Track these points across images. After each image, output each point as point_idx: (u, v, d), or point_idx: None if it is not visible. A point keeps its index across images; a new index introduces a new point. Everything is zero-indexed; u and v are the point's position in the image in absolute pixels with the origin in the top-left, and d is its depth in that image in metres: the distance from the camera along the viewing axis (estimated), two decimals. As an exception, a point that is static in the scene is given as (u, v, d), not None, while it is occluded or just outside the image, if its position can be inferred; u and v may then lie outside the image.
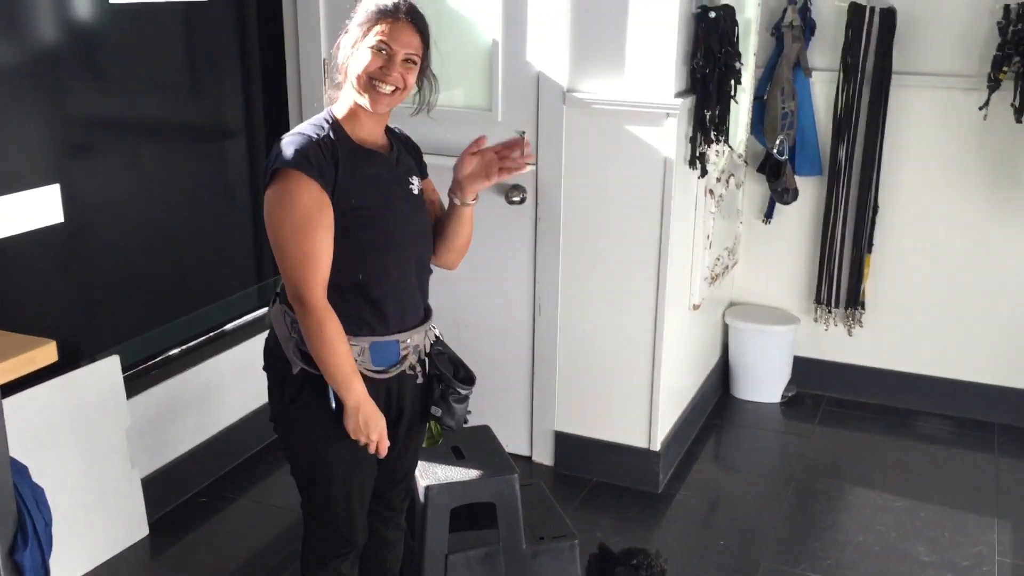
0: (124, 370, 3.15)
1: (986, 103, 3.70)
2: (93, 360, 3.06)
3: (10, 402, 2.56)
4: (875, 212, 4.05)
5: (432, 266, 2.31)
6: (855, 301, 4.18)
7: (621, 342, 3.47)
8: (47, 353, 2.21)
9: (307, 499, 2.27)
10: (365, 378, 2.10)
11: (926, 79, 3.90)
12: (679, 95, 3.24)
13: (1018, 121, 3.66)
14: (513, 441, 3.67)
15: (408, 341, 2.19)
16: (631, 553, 2.75)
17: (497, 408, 3.59)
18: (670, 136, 3.22)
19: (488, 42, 3.40)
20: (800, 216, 4.24)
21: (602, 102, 3.28)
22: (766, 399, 4.33)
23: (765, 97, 3.96)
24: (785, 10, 3.94)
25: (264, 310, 3.78)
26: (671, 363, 3.54)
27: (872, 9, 3.84)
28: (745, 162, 4.11)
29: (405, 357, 2.18)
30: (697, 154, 3.35)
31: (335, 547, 2.28)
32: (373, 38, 2.04)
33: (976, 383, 4.14)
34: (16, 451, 2.32)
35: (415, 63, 2.09)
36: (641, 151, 3.28)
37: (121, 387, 3.13)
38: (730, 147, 3.64)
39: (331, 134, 2.07)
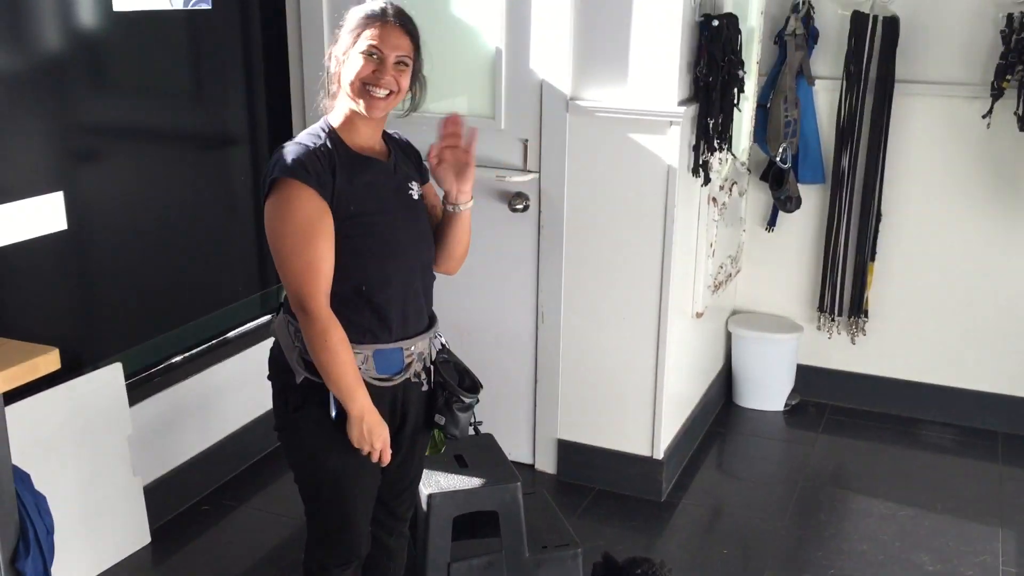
0: (127, 377, 3.15)
1: (989, 111, 3.70)
2: (96, 367, 3.06)
3: (12, 409, 2.55)
4: (878, 220, 4.05)
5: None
6: (858, 309, 4.17)
7: (624, 350, 3.47)
8: (50, 361, 2.21)
9: (310, 508, 2.27)
10: (369, 386, 2.10)
11: (929, 87, 3.90)
12: (682, 103, 3.24)
13: (1021, 129, 3.65)
14: (516, 449, 3.66)
15: (412, 349, 2.18)
16: (636, 562, 2.74)
17: (500, 416, 3.59)
18: (673, 144, 3.22)
19: (491, 50, 3.40)
20: (803, 224, 4.24)
21: (605, 110, 3.28)
22: (769, 407, 4.32)
23: (768, 105, 3.96)
24: (788, 18, 3.94)
25: (267, 317, 3.78)
26: (674, 371, 3.53)
27: (875, 17, 3.85)
28: (748, 170, 4.11)
29: (409, 365, 2.18)
30: (700, 162, 3.35)
31: (338, 556, 2.28)
32: (364, 43, 2.05)
33: (980, 392, 4.13)
34: (18, 459, 2.32)
35: (407, 65, 2.09)
36: (644, 159, 3.28)
37: (123, 395, 3.13)
38: (733, 155, 3.64)
39: (328, 143, 2.07)
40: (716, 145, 3.33)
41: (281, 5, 3.65)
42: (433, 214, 2.30)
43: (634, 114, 3.24)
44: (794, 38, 3.93)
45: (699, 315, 3.71)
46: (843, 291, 4.18)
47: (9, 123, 2.74)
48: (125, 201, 3.17)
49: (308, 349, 2.05)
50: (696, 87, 3.29)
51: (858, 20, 3.87)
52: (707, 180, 3.42)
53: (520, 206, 3.46)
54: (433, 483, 2.75)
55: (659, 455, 3.53)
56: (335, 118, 2.13)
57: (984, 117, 3.73)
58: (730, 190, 3.82)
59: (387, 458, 2.14)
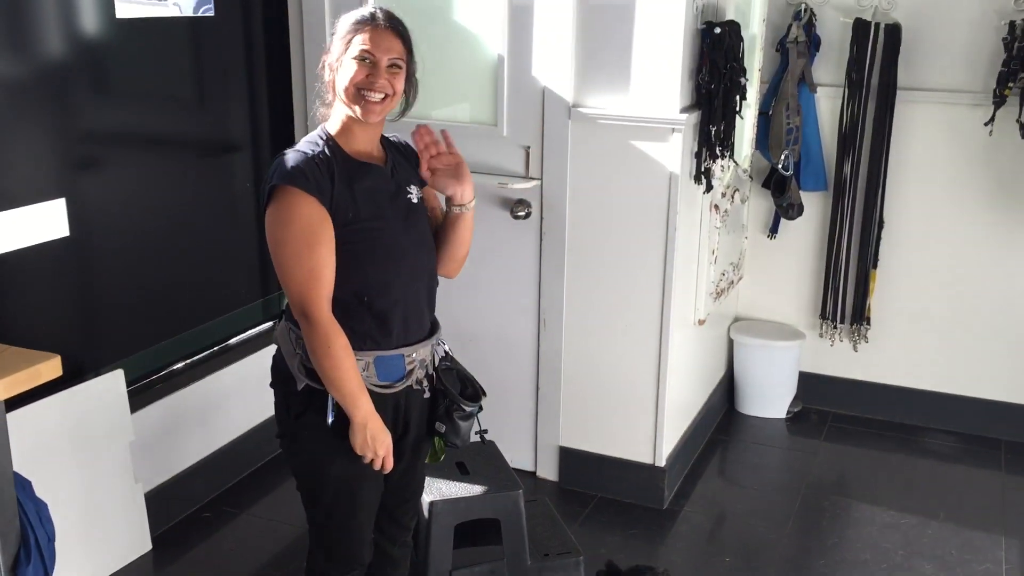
0: (128, 384, 3.15)
1: (991, 119, 3.70)
2: (97, 374, 3.06)
3: (14, 416, 2.55)
4: (880, 227, 4.05)
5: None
6: (860, 317, 4.17)
7: (626, 357, 3.46)
8: (52, 367, 2.22)
9: (312, 515, 2.27)
10: (372, 393, 2.09)
11: (931, 95, 3.90)
12: (684, 110, 3.24)
13: (1023, 137, 3.66)
14: (517, 456, 3.66)
15: (414, 355, 2.18)
16: (639, 570, 2.73)
17: (501, 423, 3.57)
18: (675, 151, 3.22)
19: (493, 57, 3.41)
20: (805, 231, 4.24)
21: (607, 117, 3.28)
22: (771, 415, 4.31)
23: (770, 112, 3.96)
24: (790, 26, 3.94)
25: (268, 324, 3.78)
26: (676, 378, 3.53)
27: (877, 25, 3.85)
28: (750, 177, 4.11)
29: (411, 371, 2.18)
30: (702, 169, 3.35)
31: (340, 564, 2.27)
32: (356, 49, 2.05)
33: (983, 399, 4.12)
34: (19, 466, 2.32)
35: (400, 68, 2.09)
36: (646, 166, 3.28)
37: (125, 401, 3.12)
38: (735, 162, 3.64)
39: (326, 150, 2.08)
40: (718, 152, 3.34)
41: (283, 12, 3.65)
42: (433, 216, 2.30)
43: (636, 121, 3.24)
44: (796, 45, 3.93)
45: (701, 322, 3.71)
46: (845, 298, 4.18)
47: (12, 130, 2.74)
48: (127, 208, 3.17)
49: (310, 356, 2.05)
50: (698, 94, 3.29)
51: (860, 27, 3.87)
52: (709, 187, 3.42)
53: (522, 213, 3.46)
54: (435, 490, 2.74)
55: (661, 463, 3.52)
56: (332, 125, 2.13)
57: (986, 125, 3.73)
58: (732, 197, 3.82)
59: (389, 465, 2.14)
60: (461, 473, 2.84)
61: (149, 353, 3.32)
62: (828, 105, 4.07)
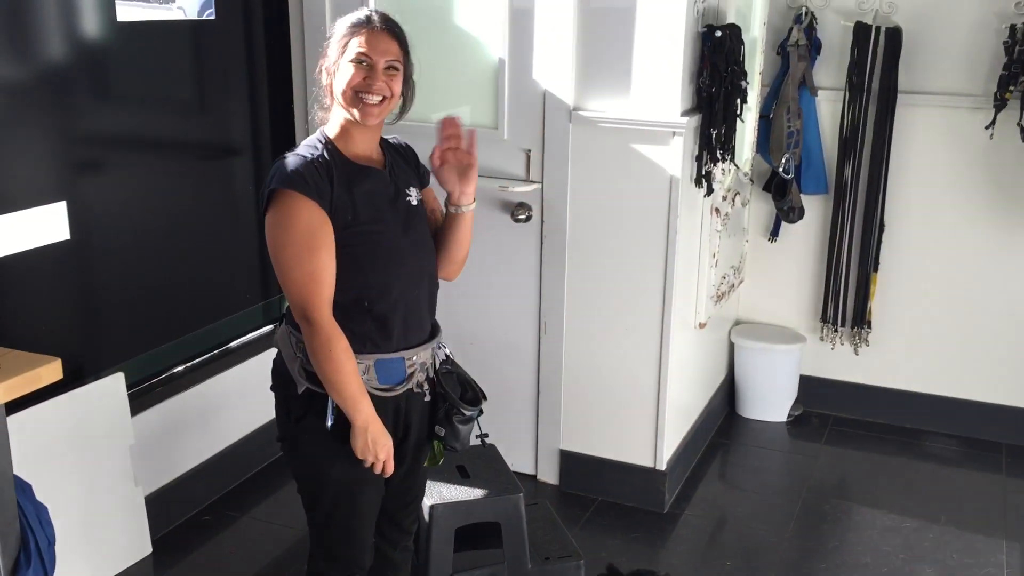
0: (129, 387, 3.15)
1: (992, 122, 3.70)
2: (98, 377, 3.06)
3: (14, 419, 2.55)
4: (881, 230, 4.05)
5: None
6: (861, 320, 4.16)
7: (626, 360, 3.46)
8: (52, 371, 2.21)
9: (313, 519, 2.26)
10: (372, 396, 2.09)
11: (932, 98, 3.90)
12: (685, 114, 3.24)
13: (1024, 140, 3.66)
14: (518, 460, 3.65)
15: (414, 358, 2.18)
16: (640, 574, 2.73)
17: (502, 426, 3.57)
18: (676, 155, 3.22)
19: (494, 60, 3.41)
20: (806, 235, 4.24)
21: (608, 120, 3.28)
22: (772, 418, 4.31)
23: (771, 116, 3.96)
24: (791, 29, 3.94)
25: (269, 327, 3.78)
26: (677, 382, 3.53)
27: (878, 28, 3.85)
28: (751, 180, 4.11)
29: (412, 374, 2.18)
30: (703, 172, 3.35)
31: (341, 568, 2.27)
32: (352, 52, 2.05)
33: (984, 403, 4.12)
34: (20, 469, 2.32)
35: (397, 69, 2.09)
36: (647, 170, 3.27)
37: (125, 404, 3.12)
38: (736, 166, 3.64)
39: (325, 153, 2.08)
40: (719, 155, 3.34)
41: (284, 15, 3.65)
42: (433, 219, 2.30)
43: (637, 124, 3.24)
44: (797, 49, 3.93)
45: (702, 325, 3.70)
46: (846, 302, 4.18)
47: (13, 133, 2.74)
48: (128, 211, 3.17)
49: (311, 359, 2.05)
50: (699, 98, 3.29)
51: (860, 31, 3.87)
52: (710, 190, 3.42)
53: (523, 216, 3.46)
54: (435, 494, 2.74)
55: (662, 466, 3.52)
56: (331, 129, 2.13)
57: (987, 128, 3.73)
58: (733, 200, 3.82)
59: (390, 469, 2.14)
60: (462, 476, 2.84)
61: (149, 356, 3.32)
62: (829, 108, 4.07)
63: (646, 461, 3.53)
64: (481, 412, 2.27)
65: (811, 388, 4.35)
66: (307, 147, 2.10)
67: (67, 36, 2.90)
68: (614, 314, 3.44)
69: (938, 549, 3.33)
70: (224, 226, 3.58)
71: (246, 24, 3.54)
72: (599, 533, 3.40)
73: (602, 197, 3.37)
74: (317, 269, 2.01)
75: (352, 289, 2.08)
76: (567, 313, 3.50)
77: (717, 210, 3.64)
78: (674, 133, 3.20)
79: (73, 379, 2.94)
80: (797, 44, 3.93)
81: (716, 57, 3.22)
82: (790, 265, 4.30)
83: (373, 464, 2.11)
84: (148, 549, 3.22)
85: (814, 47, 3.99)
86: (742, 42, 3.34)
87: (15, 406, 2.56)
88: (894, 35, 3.84)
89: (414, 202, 2.20)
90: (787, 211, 4.07)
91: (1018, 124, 3.66)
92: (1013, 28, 3.64)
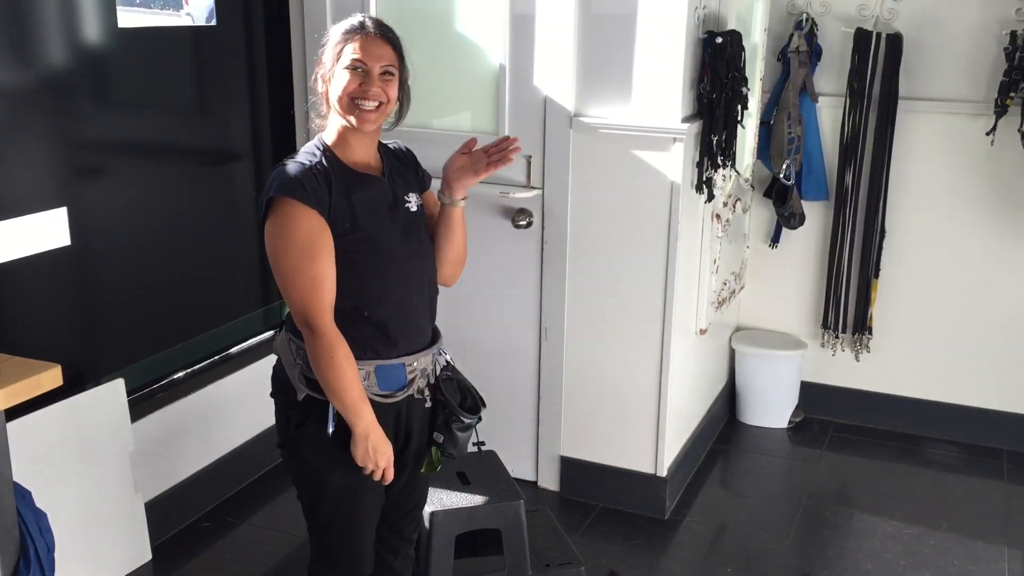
0: (129, 393, 3.14)
1: (993, 129, 3.70)
2: (98, 384, 3.06)
3: (14, 426, 2.55)
4: (882, 237, 4.05)
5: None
6: (862, 326, 4.16)
7: (627, 367, 3.46)
8: (53, 377, 2.21)
9: (313, 526, 2.26)
10: (373, 403, 2.09)
11: (933, 104, 3.90)
12: (686, 120, 3.24)
13: (1025, 146, 3.66)
14: (519, 466, 3.65)
15: (415, 364, 2.18)
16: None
17: (502, 433, 3.57)
18: (677, 161, 3.22)
19: (495, 66, 3.41)
20: (807, 241, 4.24)
21: (609, 127, 3.28)
22: (773, 424, 4.30)
23: (772, 122, 3.97)
24: (791, 35, 3.95)
25: (269, 333, 3.78)
26: (677, 388, 3.52)
27: (878, 34, 3.85)
28: (752, 187, 4.11)
29: (412, 381, 2.17)
30: (704, 179, 3.35)
31: (341, 575, 2.26)
32: (347, 58, 2.05)
33: (985, 409, 4.11)
34: (19, 475, 2.31)
35: (393, 74, 2.09)
36: (648, 176, 3.27)
37: (126, 411, 3.12)
38: (737, 172, 3.64)
39: (323, 160, 2.08)
40: (720, 162, 3.33)
41: (285, 20, 3.66)
42: (432, 222, 2.29)
43: (638, 131, 3.24)
44: (797, 55, 3.93)
45: (703, 332, 3.70)
46: (847, 308, 4.18)
47: (14, 139, 2.74)
48: (129, 217, 3.17)
49: (312, 366, 2.05)
50: (700, 104, 3.30)
51: (861, 37, 3.88)
52: (711, 197, 3.42)
53: (523, 222, 3.46)
54: (436, 501, 2.73)
55: (662, 472, 3.51)
56: (329, 136, 2.13)
57: (988, 134, 3.73)
58: (734, 207, 3.82)
59: (390, 476, 2.13)
60: (462, 483, 2.84)
61: (149, 362, 3.31)
62: (829, 115, 4.08)
63: (647, 467, 3.53)
64: (480, 420, 2.26)
65: (812, 394, 4.35)
66: (306, 154, 2.10)
67: (68, 43, 2.90)
68: (615, 320, 3.44)
69: (939, 556, 3.33)
70: (224, 232, 3.58)
71: (247, 30, 3.54)
72: (600, 540, 3.40)
73: (603, 203, 3.36)
74: (318, 276, 2.01)
75: (351, 296, 2.08)
76: (568, 319, 3.50)
77: (718, 216, 3.64)
78: (675, 139, 3.20)
79: (73, 385, 2.94)
80: (798, 50, 3.93)
81: (717, 63, 3.22)
82: (791, 271, 4.29)
83: (373, 471, 2.11)
84: (148, 556, 3.22)
85: (815, 53, 4.00)
86: (743, 48, 3.34)
87: (15, 412, 2.55)
88: (895, 41, 3.84)
89: (413, 208, 2.20)
90: (788, 217, 4.07)
91: (1019, 130, 3.66)
92: (1014, 34, 3.64)
